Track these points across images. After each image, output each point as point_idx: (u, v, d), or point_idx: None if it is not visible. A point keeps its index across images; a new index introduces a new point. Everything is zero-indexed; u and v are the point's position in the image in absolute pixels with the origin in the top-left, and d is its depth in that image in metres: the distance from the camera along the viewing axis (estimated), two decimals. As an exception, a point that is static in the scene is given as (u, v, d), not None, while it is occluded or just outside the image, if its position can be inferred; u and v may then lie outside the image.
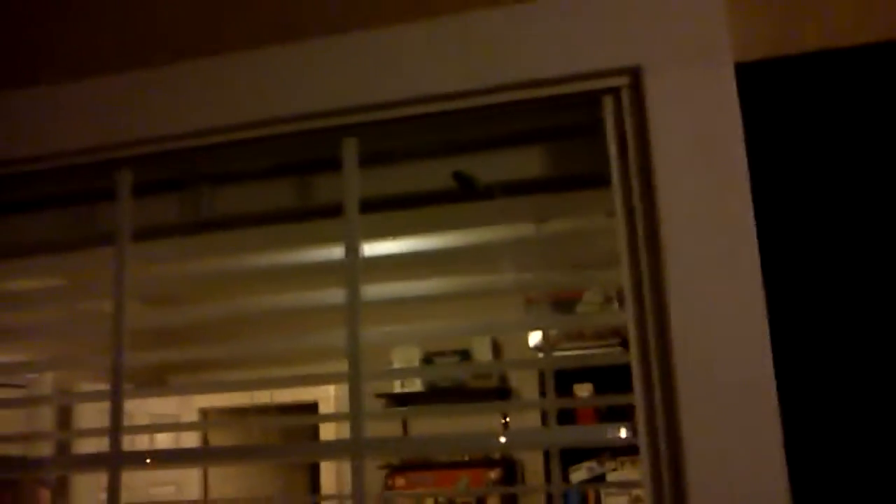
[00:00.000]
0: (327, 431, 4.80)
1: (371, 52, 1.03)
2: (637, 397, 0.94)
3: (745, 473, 0.85)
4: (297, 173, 1.18)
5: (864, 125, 0.90)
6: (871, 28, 0.92)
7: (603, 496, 3.94)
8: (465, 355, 4.45)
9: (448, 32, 1.01)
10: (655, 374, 0.92)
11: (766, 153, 0.92)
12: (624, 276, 0.97)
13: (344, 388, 3.32)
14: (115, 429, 1.08)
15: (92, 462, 1.17)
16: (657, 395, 0.92)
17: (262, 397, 4.83)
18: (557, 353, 3.91)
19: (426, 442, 1.48)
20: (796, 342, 0.88)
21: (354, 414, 1.01)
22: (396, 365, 4.34)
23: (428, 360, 4.42)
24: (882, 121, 0.89)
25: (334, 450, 1.36)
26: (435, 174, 1.10)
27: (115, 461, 1.08)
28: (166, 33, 1.13)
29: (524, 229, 1.10)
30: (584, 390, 3.95)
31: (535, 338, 4.11)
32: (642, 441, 0.93)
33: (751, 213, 0.90)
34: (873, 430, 0.84)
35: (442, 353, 4.45)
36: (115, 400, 1.09)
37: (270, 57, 1.06)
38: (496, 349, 4.52)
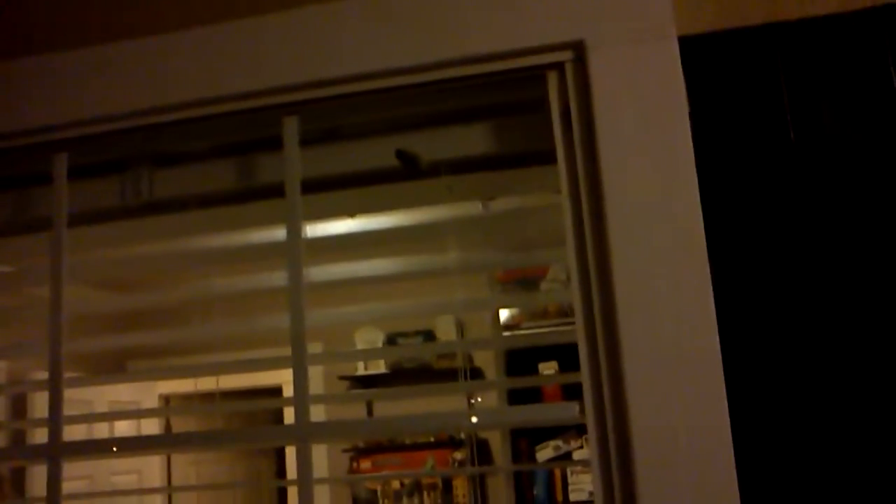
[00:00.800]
0: (292, 415, 4.77)
1: (311, 28, 1.00)
2: (584, 376, 0.93)
3: (693, 449, 0.85)
4: (239, 153, 1.15)
5: (808, 97, 0.89)
6: (813, 3, 0.91)
7: (569, 473, 3.95)
8: (428, 335, 4.43)
9: (389, 7, 0.98)
10: (602, 352, 0.91)
11: (710, 127, 0.91)
12: (570, 255, 0.95)
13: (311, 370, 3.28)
14: (55, 418, 1.05)
15: (32, 453, 1.14)
16: (604, 373, 0.91)
17: (226, 382, 4.79)
18: (521, 332, 3.90)
19: (374, 425, 1.47)
20: (741, 318, 0.87)
21: (298, 398, 0.99)
22: (359, 345, 4.30)
23: (391, 340, 4.39)
24: (826, 92, 0.89)
25: (281, 435, 1.34)
26: (379, 153, 1.08)
27: (55, 452, 1.05)
28: (103, 12, 1.10)
29: (471, 207, 1.08)
30: (549, 368, 3.95)
31: (501, 315, 4.10)
32: (589, 419, 0.91)
33: (696, 189, 0.89)
34: (817, 404, 0.84)
35: (405, 334, 4.42)
36: (54, 389, 1.06)
37: (208, 35, 1.03)
38: (460, 328, 4.50)
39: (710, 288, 0.87)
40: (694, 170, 0.89)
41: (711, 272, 0.88)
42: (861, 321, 0.84)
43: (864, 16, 0.90)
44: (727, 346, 0.86)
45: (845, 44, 0.89)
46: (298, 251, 1.03)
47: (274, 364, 1.10)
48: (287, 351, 1.00)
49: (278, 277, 1.05)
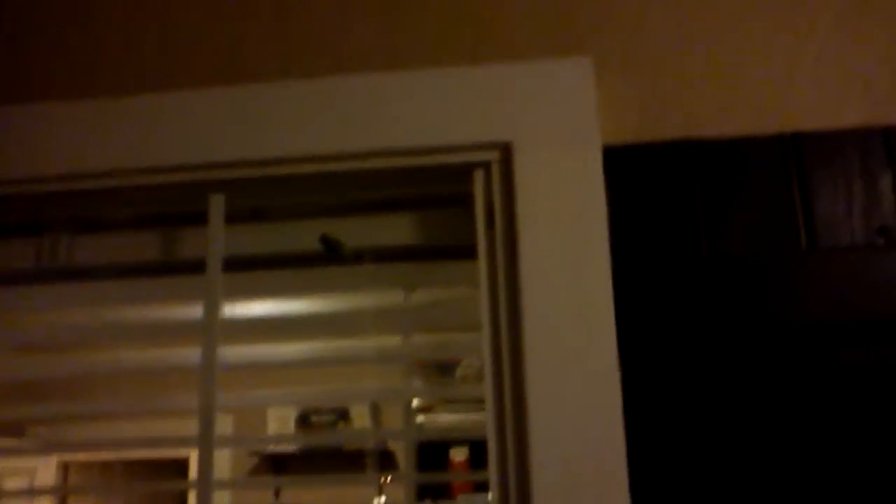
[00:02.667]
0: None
1: (243, 107, 1.01)
2: (491, 476, 0.93)
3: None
4: (162, 225, 1.14)
5: (721, 213, 0.93)
6: (731, 123, 0.96)
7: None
8: (342, 414, 4.37)
9: (322, 93, 1.00)
10: (511, 450, 0.92)
11: (628, 234, 0.94)
12: (484, 349, 0.96)
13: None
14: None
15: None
16: (511, 472, 0.91)
17: (129, 452, 4.62)
18: (434, 415, 3.88)
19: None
20: (649, 420, 0.89)
21: (202, 482, 0.96)
22: (271, 421, 4.21)
23: (305, 416, 4.32)
24: (737, 209, 0.93)
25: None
26: (303, 236, 1.09)
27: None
28: (32, 72, 1.09)
29: (392, 296, 1.09)
30: (460, 454, 3.92)
31: (415, 399, 4.08)
32: (495, 517, 0.91)
33: (610, 293, 0.91)
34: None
35: (319, 411, 4.35)
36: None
37: (138, 104, 1.03)
38: (375, 408, 4.45)
39: (619, 390, 0.88)
40: (609, 275, 0.92)
41: (622, 374, 0.90)
42: (764, 436, 0.87)
43: (775, 141, 0.95)
44: (633, 449, 0.88)
45: (756, 165, 0.94)
46: (214, 330, 1.02)
47: (180, 443, 1.07)
48: (194, 425, 0.98)
49: (192, 355, 1.04)
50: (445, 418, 3.99)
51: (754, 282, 0.91)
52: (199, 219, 1.07)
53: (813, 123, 0.95)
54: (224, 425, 3.96)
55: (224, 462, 4.30)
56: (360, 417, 4.36)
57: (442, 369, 3.94)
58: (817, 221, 0.92)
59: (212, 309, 1.02)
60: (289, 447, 4.28)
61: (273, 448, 4.32)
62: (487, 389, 0.95)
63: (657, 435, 0.88)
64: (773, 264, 0.91)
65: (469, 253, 1.01)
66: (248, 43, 1.06)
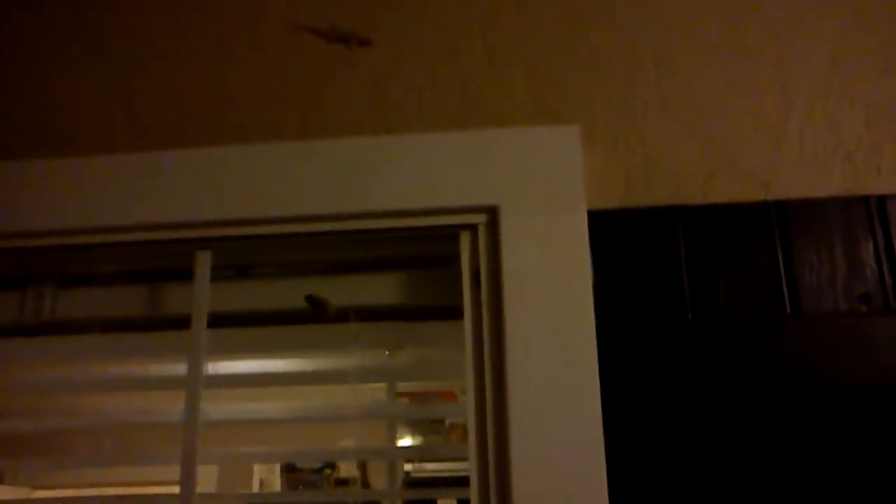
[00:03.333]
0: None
1: (230, 166, 1.01)
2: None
3: None
4: (147, 281, 1.14)
5: (705, 278, 0.94)
6: (716, 190, 0.97)
7: None
8: (329, 462, 4.33)
9: (310, 155, 1.01)
10: (494, 513, 0.91)
11: (613, 298, 0.94)
12: (469, 410, 0.96)
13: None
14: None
15: None
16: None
17: None
18: (421, 465, 3.84)
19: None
20: (632, 478, 0.88)
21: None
22: (257, 468, 4.17)
23: (291, 466, 4.28)
24: (722, 275, 0.93)
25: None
26: (288, 294, 1.09)
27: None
28: (20, 130, 1.09)
29: (377, 355, 1.09)
30: (447, 505, 3.89)
31: (402, 444, 4.04)
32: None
33: (594, 356, 0.91)
34: (701, 584, 0.85)
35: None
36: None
37: (126, 163, 1.03)
38: (362, 466, 4.41)
39: (603, 453, 0.88)
40: (594, 337, 0.92)
41: (605, 436, 0.89)
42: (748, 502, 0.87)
43: (759, 208, 0.96)
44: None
45: (741, 231, 0.95)
46: (198, 386, 1.01)
47: (163, 500, 1.06)
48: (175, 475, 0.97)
49: (175, 411, 1.03)
50: (433, 466, 3.96)
51: (739, 346, 0.91)
52: (185, 274, 1.07)
53: (796, 191, 0.96)
54: (209, 474, 3.92)
55: (207, 510, 4.24)
56: (347, 466, 4.31)
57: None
58: (801, 287, 0.93)
59: (196, 365, 1.02)
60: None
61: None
62: (471, 450, 0.95)
63: (641, 499, 0.88)
64: (758, 329, 0.92)
65: (454, 313, 1.01)
66: (237, 102, 1.07)
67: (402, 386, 1.29)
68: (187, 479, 0.98)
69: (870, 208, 0.95)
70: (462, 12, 1.08)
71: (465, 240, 1.00)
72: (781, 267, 0.94)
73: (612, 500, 0.88)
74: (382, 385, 1.17)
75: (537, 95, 1.03)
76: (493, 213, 0.98)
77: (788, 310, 0.92)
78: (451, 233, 1.01)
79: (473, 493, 0.93)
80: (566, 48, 1.05)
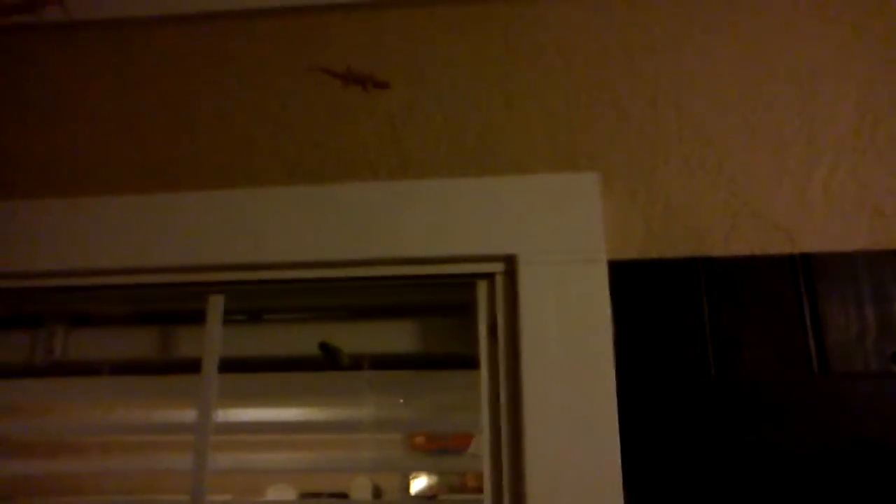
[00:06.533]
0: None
1: (245, 210, 1.00)
2: None
3: None
4: (160, 323, 1.12)
5: (729, 333, 0.91)
6: (740, 242, 0.95)
7: None
8: (342, 497, 4.28)
9: (325, 200, 0.99)
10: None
11: (634, 351, 0.92)
12: (485, 463, 0.94)
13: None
14: None
15: None
16: None
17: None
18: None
19: None
20: (651, 553, 0.85)
21: None
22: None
23: None
24: (746, 329, 0.91)
25: None
26: (303, 339, 1.07)
27: None
28: (30, 169, 1.09)
29: (391, 404, 1.07)
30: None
31: (418, 484, 4.00)
32: None
33: (615, 411, 0.88)
34: None
35: (319, 494, 4.27)
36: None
37: (140, 203, 1.02)
38: (377, 492, 4.36)
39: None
40: (614, 393, 0.89)
41: (625, 495, 0.86)
42: (770, 569, 0.83)
43: (784, 261, 0.93)
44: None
45: (766, 285, 0.92)
46: (207, 433, 0.99)
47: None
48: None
49: (180, 460, 1.01)
50: (448, 505, 3.91)
51: (764, 405, 0.88)
52: (197, 317, 1.05)
53: (823, 244, 0.94)
54: (221, 507, 3.88)
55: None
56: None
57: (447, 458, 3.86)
58: (829, 345, 0.90)
59: (205, 411, 1.00)
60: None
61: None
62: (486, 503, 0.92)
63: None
64: (784, 387, 0.89)
65: (470, 362, 0.99)
66: (252, 145, 1.06)
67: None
68: (194, 530, 0.96)
69: (900, 263, 0.92)
70: (480, 57, 1.07)
71: (482, 289, 0.98)
72: (808, 322, 0.91)
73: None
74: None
75: (556, 143, 1.02)
76: (510, 262, 0.96)
77: (816, 368, 0.89)
78: (468, 281, 0.98)
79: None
80: (586, 96, 1.04)
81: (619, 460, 0.87)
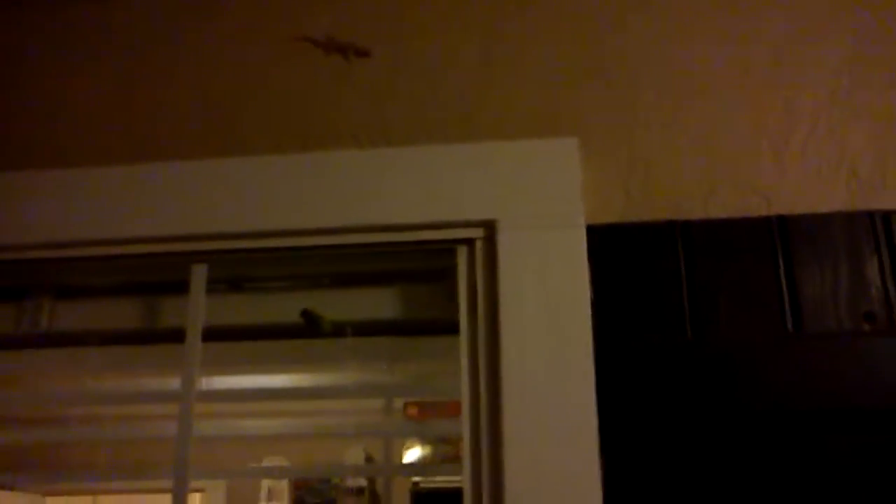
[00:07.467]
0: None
1: (227, 179, 1.01)
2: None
3: None
4: (145, 293, 1.13)
5: (706, 294, 0.92)
6: (717, 205, 0.96)
7: None
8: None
9: (306, 168, 1.00)
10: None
11: (611, 314, 0.93)
12: (464, 427, 0.95)
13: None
14: None
15: None
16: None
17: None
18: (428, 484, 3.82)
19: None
20: (629, 498, 0.87)
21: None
22: (264, 485, 4.16)
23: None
24: (723, 291, 0.92)
25: None
26: (286, 307, 1.08)
27: None
28: (14, 142, 1.09)
29: (374, 370, 1.08)
30: (456, 515, 3.85)
31: (410, 456, 4.01)
32: None
33: (592, 374, 0.89)
34: None
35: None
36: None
37: (121, 174, 1.03)
38: (369, 461, 4.37)
39: (600, 473, 0.86)
40: (591, 356, 0.90)
41: (602, 456, 0.87)
42: (745, 525, 0.85)
43: (761, 223, 0.94)
44: (614, 539, 0.86)
45: (742, 248, 0.93)
46: (191, 401, 1.00)
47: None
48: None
49: (167, 426, 1.02)
50: (442, 478, 3.92)
51: (740, 365, 0.89)
52: (182, 287, 1.06)
53: (799, 206, 0.94)
54: (217, 483, 3.91)
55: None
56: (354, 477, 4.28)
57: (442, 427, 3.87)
58: (804, 305, 0.91)
59: (189, 379, 1.01)
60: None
61: (265, 504, 4.25)
62: (465, 469, 0.93)
63: (638, 523, 0.86)
64: (759, 348, 0.90)
65: (451, 328, 1.00)
66: (234, 115, 1.06)
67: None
68: (180, 493, 0.97)
69: (875, 224, 0.93)
70: (461, 24, 1.07)
71: (462, 255, 0.99)
72: (784, 284, 0.92)
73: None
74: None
75: (536, 107, 1.02)
76: (490, 227, 0.96)
77: (791, 328, 0.90)
78: (449, 247, 0.99)
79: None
80: (566, 61, 1.04)
81: (596, 423, 0.88)
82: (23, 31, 1.15)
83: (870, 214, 0.93)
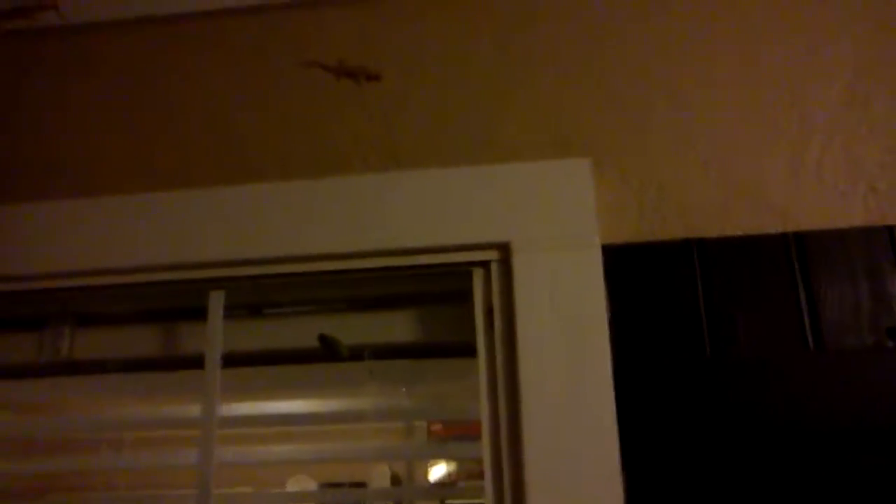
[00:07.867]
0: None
1: (241, 206, 1.01)
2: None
3: None
4: (163, 320, 1.14)
5: (724, 312, 0.91)
6: (733, 222, 0.95)
7: None
8: (362, 486, 4.30)
9: (322, 193, 1.00)
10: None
11: (629, 334, 0.92)
12: (484, 450, 0.94)
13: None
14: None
15: None
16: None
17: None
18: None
19: None
20: (651, 534, 0.86)
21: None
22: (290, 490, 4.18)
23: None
24: (741, 309, 0.91)
25: None
26: (303, 332, 1.08)
27: None
28: (31, 174, 1.10)
29: (392, 394, 1.08)
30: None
31: (437, 472, 4.00)
32: None
33: (611, 394, 0.89)
34: None
35: (339, 484, 4.29)
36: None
37: (140, 203, 1.04)
38: (395, 481, 4.38)
39: (622, 494, 0.86)
40: (610, 376, 0.90)
41: (624, 478, 0.87)
42: (768, 546, 0.84)
43: (778, 240, 0.93)
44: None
45: (760, 265, 0.93)
46: (212, 427, 1.00)
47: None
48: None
49: (190, 454, 1.03)
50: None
51: (760, 384, 0.89)
52: (199, 314, 1.06)
53: (816, 223, 0.93)
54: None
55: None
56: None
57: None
58: (824, 322, 0.90)
59: (209, 405, 1.01)
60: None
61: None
62: (487, 490, 0.93)
63: (660, 546, 0.85)
64: (779, 366, 0.89)
65: (470, 350, 0.99)
66: (246, 141, 1.07)
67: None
68: (202, 524, 0.97)
69: (894, 239, 0.92)
70: (471, 46, 1.07)
71: (477, 277, 0.99)
72: (803, 301, 0.91)
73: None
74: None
75: (549, 128, 1.02)
76: (505, 249, 0.96)
77: (811, 345, 0.89)
78: (464, 270, 0.99)
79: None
80: (576, 81, 1.04)
81: (617, 442, 0.87)
82: (38, 65, 1.17)
83: (889, 229, 0.92)
